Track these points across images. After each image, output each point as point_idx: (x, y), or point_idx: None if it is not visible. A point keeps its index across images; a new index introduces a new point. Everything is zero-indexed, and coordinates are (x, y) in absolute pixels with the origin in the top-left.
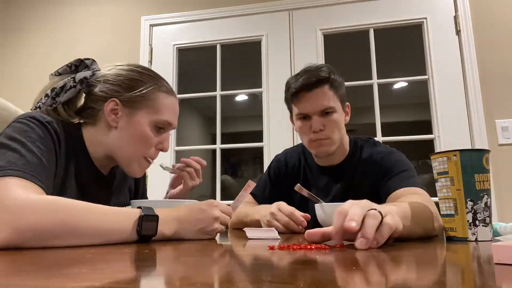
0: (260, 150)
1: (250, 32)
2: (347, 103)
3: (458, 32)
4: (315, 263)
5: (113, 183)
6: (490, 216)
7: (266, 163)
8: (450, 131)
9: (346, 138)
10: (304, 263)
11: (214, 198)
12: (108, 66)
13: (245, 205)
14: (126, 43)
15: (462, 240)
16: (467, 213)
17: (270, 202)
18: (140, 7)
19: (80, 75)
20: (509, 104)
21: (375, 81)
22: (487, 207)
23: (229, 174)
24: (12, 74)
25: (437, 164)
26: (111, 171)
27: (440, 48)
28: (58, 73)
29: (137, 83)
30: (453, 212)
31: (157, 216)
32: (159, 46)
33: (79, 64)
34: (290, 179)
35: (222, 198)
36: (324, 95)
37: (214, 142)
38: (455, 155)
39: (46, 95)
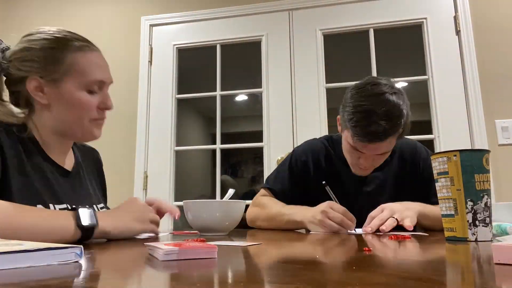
0: (260, 150)
1: (250, 32)
2: (408, 123)
3: (458, 32)
4: (314, 263)
5: (73, 173)
6: (490, 216)
7: (266, 163)
8: (450, 131)
9: None
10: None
11: (214, 198)
12: (18, 42)
13: (274, 203)
14: (126, 43)
15: (462, 240)
16: (467, 213)
17: (291, 199)
18: (140, 7)
19: None
20: (509, 104)
21: None
22: (487, 207)
23: (229, 174)
24: None
25: (437, 164)
26: (76, 165)
27: (440, 48)
28: None
29: (49, 52)
30: (453, 212)
31: (92, 209)
32: (159, 46)
33: None
34: (316, 178)
35: (222, 198)
36: (388, 145)
37: (214, 142)
38: (455, 155)
39: None
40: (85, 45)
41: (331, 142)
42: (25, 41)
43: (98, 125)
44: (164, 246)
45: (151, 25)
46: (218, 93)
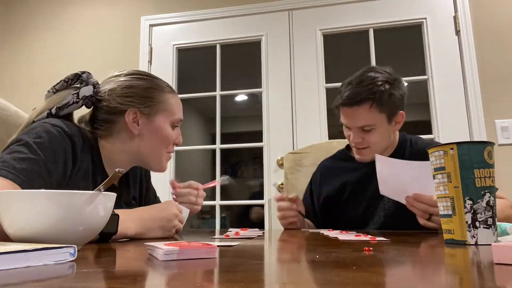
0: (259, 150)
1: (249, 32)
2: (401, 112)
3: (457, 32)
4: (314, 263)
5: (122, 195)
6: (493, 217)
7: (266, 163)
8: (449, 131)
9: (395, 138)
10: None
11: (214, 198)
12: (108, 79)
13: None
14: (126, 43)
15: (460, 243)
16: (466, 213)
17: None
18: (140, 7)
19: (83, 92)
20: (508, 104)
21: None
22: (490, 206)
23: (228, 174)
24: (12, 74)
25: (433, 159)
26: (120, 180)
27: (440, 48)
28: (56, 90)
29: (148, 91)
30: (450, 212)
31: (117, 215)
32: (158, 46)
33: (77, 79)
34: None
35: (222, 198)
36: (363, 113)
37: (214, 142)
38: (452, 149)
39: (50, 113)
40: (171, 89)
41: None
42: (124, 80)
43: (168, 158)
44: (164, 246)
45: (151, 25)
46: (218, 93)
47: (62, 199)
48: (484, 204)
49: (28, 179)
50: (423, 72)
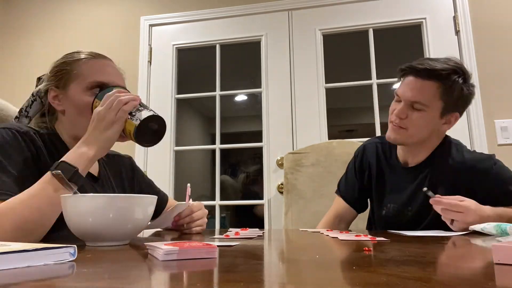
0: (259, 150)
1: (249, 32)
2: (456, 113)
3: (457, 32)
4: (308, 262)
5: (101, 179)
6: None
7: (266, 163)
8: (449, 131)
9: (435, 143)
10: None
11: (214, 198)
12: None
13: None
14: (126, 43)
15: None
16: None
17: (359, 201)
18: (140, 7)
19: (35, 90)
20: (508, 104)
21: (374, 81)
22: None
23: (228, 174)
24: (12, 74)
25: None
26: (100, 171)
27: (440, 48)
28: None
29: (60, 66)
30: None
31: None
32: (158, 46)
33: (38, 82)
34: (369, 173)
35: (222, 198)
36: (424, 89)
37: (213, 142)
38: None
39: (16, 117)
40: (91, 56)
41: (380, 142)
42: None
43: None
44: (164, 246)
45: (151, 25)
46: (217, 93)
47: (116, 201)
48: None
49: (4, 191)
50: None
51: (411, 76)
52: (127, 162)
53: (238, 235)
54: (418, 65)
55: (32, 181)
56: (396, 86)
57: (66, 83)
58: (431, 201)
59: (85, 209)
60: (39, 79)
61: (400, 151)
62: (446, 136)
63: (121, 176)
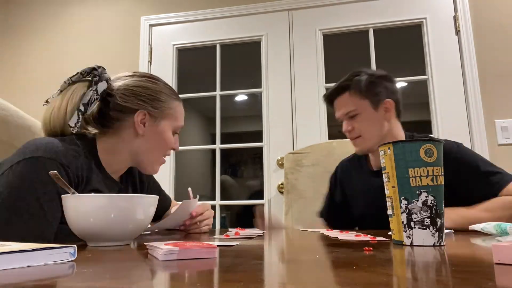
0: (259, 150)
1: (249, 32)
2: (388, 99)
3: (457, 32)
4: (299, 262)
5: (128, 189)
6: (433, 217)
7: (266, 163)
8: (449, 131)
9: (398, 134)
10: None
11: (214, 198)
12: (120, 77)
13: None
14: (126, 43)
15: (399, 243)
16: (402, 213)
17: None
18: (140, 7)
19: (101, 87)
20: (508, 104)
21: None
22: (427, 206)
23: (228, 174)
24: (12, 74)
25: (381, 159)
26: (121, 178)
27: (440, 48)
28: (72, 81)
29: (159, 94)
30: (391, 212)
31: None
32: (158, 46)
33: (91, 71)
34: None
35: (222, 198)
36: (344, 100)
37: (213, 142)
38: (389, 148)
39: (80, 111)
40: (178, 96)
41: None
42: (136, 80)
43: (162, 162)
44: (164, 246)
45: (151, 25)
46: (218, 93)
47: (118, 201)
48: (420, 204)
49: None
50: (423, 72)
51: (328, 102)
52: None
53: (238, 235)
54: (327, 93)
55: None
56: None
57: (161, 116)
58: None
59: (86, 209)
60: (93, 69)
61: (371, 159)
62: (414, 134)
63: (135, 183)
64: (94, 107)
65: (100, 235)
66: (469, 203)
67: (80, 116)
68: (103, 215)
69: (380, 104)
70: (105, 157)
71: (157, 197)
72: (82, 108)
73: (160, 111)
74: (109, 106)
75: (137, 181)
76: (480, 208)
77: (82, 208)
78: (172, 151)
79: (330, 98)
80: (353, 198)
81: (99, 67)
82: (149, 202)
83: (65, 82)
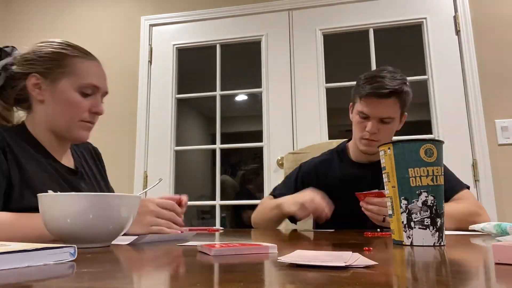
0: (259, 150)
1: (250, 32)
2: (406, 113)
3: (457, 32)
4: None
5: (80, 172)
6: (433, 217)
7: (266, 163)
8: (449, 131)
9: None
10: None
11: (214, 198)
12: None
13: (270, 200)
14: (126, 43)
15: (399, 243)
16: (402, 213)
17: None
18: (140, 7)
19: (1, 63)
20: (508, 104)
21: None
22: (427, 206)
23: (228, 174)
24: None
25: (381, 159)
26: (76, 164)
27: (440, 48)
28: None
29: (53, 54)
30: (391, 212)
31: None
32: (158, 46)
33: (0, 53)
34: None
35: (222, 198)
36: (390, 106)
37: (213, 142)
38: (389, 148)
39: None
40: (84, 54)
41: (336, 151)
42: (35, 46)
43: (87, 127)
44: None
45: (151, 25)
46: (218, 93)
47: (96, 200)
48: (419, 204)
49: None
50: (423, 72)
51: (373, 97)
52: (89, 146)
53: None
54: (378, 87)
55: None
56: None
57: (56, 76)
58: (361, 204)
59: (63, 209)
60: (0, 50)
61: (351, 151)
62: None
63: (91, 161)
64: None
65: (78, 237)
66: None
67: None
68: (81, 216)
69: (402, 116)
70: (35, 135)
71: (139, 197)
72: None
73: (55, 71)
74: (12, 79)
75: (97, 162)
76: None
77: (59, 208)
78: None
79: (378, 95)
80: (333, 187)
81: (7, 46)
82: (132, 202)
83: None
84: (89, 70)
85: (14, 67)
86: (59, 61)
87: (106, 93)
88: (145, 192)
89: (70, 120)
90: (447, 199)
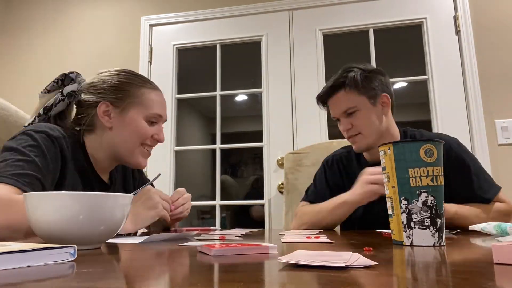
0: (259, 150)
1: (250, 32)
2: (384, 94)
3: (457, 32)
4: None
5: (111, 185)
6: (433, 218)
7: (266, 163)
8: (450, 131)
9: (395, 130)
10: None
11: (214, 198)
12: (94, 77)
13: (317, 204)
14: (126, 43)
15: (399, 244)
16: (402, 213)
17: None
18: (140, 7)
19: (67, 89)
20: (508, 104)
21: None
22: (427, 206)
23: (228, 174)
24: (13, 74)
25: (381, 159)
26: (110, 178)
27: (440, 48)
28: (47, 91)
29: (123, 84)
30: (391, 212)
31: None
32: (159, 46)
33: (64, 78)
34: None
35: (222, 198)
36: (341, 98)
37: (214, 142)
38: (389, 148)
39: (39, 114)
40: (149, 84)
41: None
42: (103, 75)
43: (146, 155)
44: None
45: (151, 25)
46: (218, 93)
47: (86, 200)
48: (419, 204)
49: (27, 182)
50: (423, 72)
51: (321, 101)
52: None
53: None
54: (323, 90)
55: (52, 184)
56: (396, 86)
57: (126, 106)
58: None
59: (50, 208)
60: (65, 75)
61: (366, 154)
62: (408, 129)
63: (128, 180)
64: (58, 107)
65: (66, 238)
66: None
67: (37, 118)
68: (70, 216)
69: (377, 99)
70: (91, 156)
71: (131, 196)
72: (41, 111)
73: (125, 100)
74: (80, 106)
75: (129, 178)
76: (479, 209)
77: (45, 208)
78: (173, 150)
79: (324, 97)
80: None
81: (72, 72)
82: (124, 202)
83: (41, 92)
84: (155, 100)
85: (82, 95)
86: (128, 91)
87: (165, 120)
88: (142, 189)
89: (134, 146)
90: (484, 200)
